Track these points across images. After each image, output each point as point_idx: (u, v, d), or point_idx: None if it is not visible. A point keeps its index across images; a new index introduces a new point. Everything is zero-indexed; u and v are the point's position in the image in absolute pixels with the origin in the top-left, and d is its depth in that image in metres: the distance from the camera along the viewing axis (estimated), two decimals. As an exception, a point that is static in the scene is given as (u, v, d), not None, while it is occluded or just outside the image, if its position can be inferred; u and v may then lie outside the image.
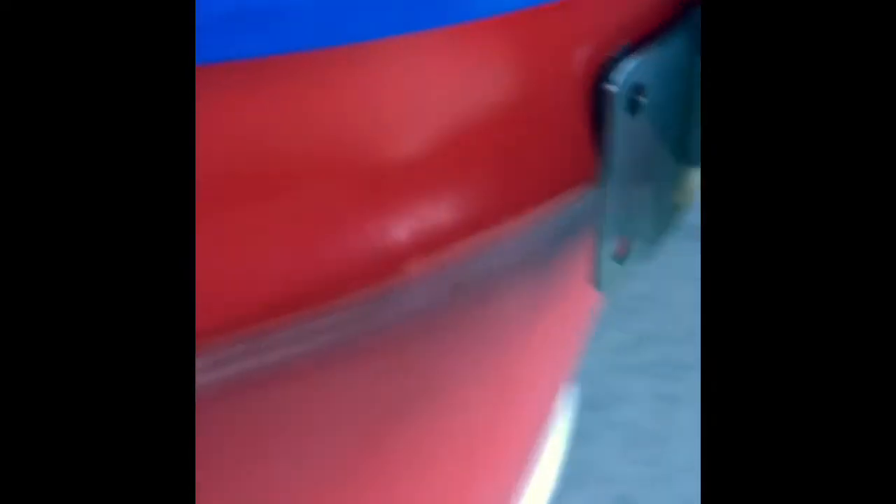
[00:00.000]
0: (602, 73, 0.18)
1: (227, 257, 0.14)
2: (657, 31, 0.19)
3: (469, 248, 0.16)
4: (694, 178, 0.24)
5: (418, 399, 0.20)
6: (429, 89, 0.15)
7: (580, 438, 1.22)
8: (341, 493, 0.19)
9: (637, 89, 0.19)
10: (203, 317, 0.12)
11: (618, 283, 0.21)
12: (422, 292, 0.16)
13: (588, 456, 1.17)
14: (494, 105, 0.16)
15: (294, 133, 0.14)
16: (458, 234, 0.16)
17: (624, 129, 0.19)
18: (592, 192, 0.19)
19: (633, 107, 0.19)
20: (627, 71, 0.18)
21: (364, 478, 0.20)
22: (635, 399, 1.30)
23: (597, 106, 0.18)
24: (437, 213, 0.15)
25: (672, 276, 1.56)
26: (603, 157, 0.19)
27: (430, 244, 0.15)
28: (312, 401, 0.17)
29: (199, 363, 0.13)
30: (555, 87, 0.18)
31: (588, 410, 1.21)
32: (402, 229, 0.14)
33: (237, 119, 0.13)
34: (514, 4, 0.16)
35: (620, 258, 0.21)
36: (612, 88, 0.18)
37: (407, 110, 0.15)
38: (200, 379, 0.13)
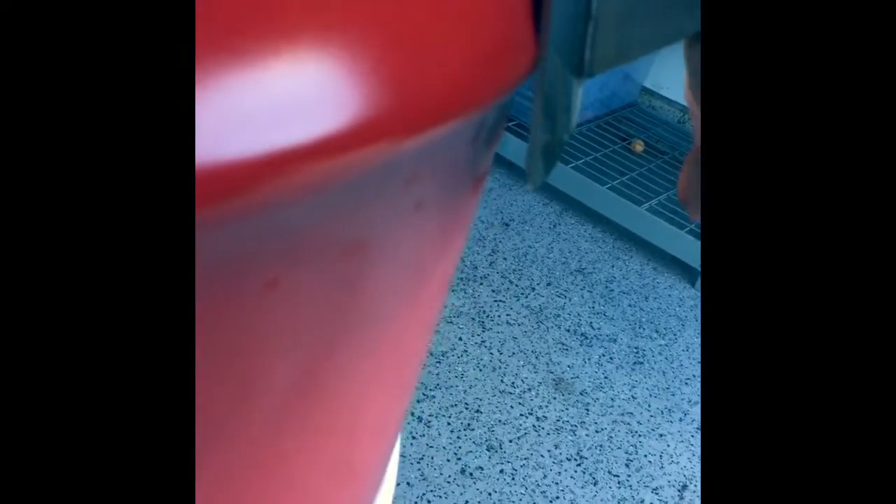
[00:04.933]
0: None
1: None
2: None
3: (410, 140, 0.15)
4: (579, 94, 0.23)
5: (357, 317, 0.19)
6: None
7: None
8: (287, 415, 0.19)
9: None
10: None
11: (545, 177, 0.21)
12: (344, 192, 0.15)
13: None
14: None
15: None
16: (397, 122, 0.15)
17: (557, 8, 0.18)
18: (530, 78, 0.19)
19: None
20: None
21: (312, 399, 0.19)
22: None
23: None
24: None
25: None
26: (541, 41, 0.18)
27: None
28: (262, 312, 0.16)
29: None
30: None
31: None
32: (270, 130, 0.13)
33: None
34: None
35: (548, 152, 0.20)
36: None
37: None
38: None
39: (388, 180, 0.16)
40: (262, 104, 0.12)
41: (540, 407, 1.44)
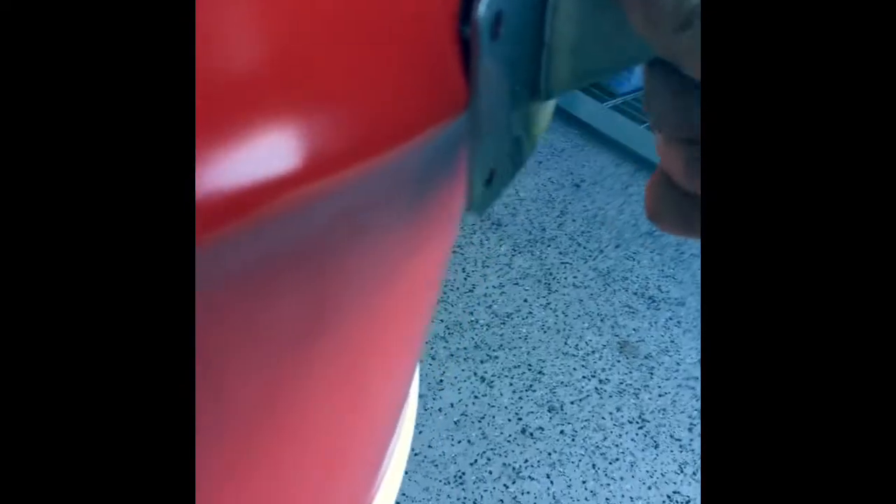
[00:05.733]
0: (466, 2, 0.19)
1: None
2: None
3: (347, 176, 0.17)
4: (543, 111, 0.25)
5: (314, 328, 0.21)
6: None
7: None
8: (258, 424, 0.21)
9: (498, 18, 0.19)
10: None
11: (487, 205, 0.22)
12: (298, 222, 0.17)
13: (418, 441, 1.25)
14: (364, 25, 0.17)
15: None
16: (333, 163, 0.17)
17: (488, 56, 0.20)
18: (463, 120, 0.20)
19: (494, 35, 0.20)
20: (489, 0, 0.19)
21: (281, 407, 0.21)
22: (455, 383, 1.34)
23: (464, 34, 0.19)
24: (306, 136, 0.16)
25: (472, 264, 1.58)
26: (472, 85, 0.20)
27: (304, 171, 0.16)
28: (221, 326, 0.18)
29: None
30: (424, 17, 0.19)
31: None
32: (256, 160, 0.15)
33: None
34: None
35: (489, 182, 0.22)
36: (480, 15, 0.19)
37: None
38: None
39: (332, 209, 0.18)
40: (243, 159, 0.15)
41: (603, 370, 1.45)
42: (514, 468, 1.24)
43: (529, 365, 1.43)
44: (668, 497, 1.26)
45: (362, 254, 0.21)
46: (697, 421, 1.39)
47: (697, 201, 0.25)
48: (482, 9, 0.19)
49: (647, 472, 1.29)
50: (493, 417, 1.32)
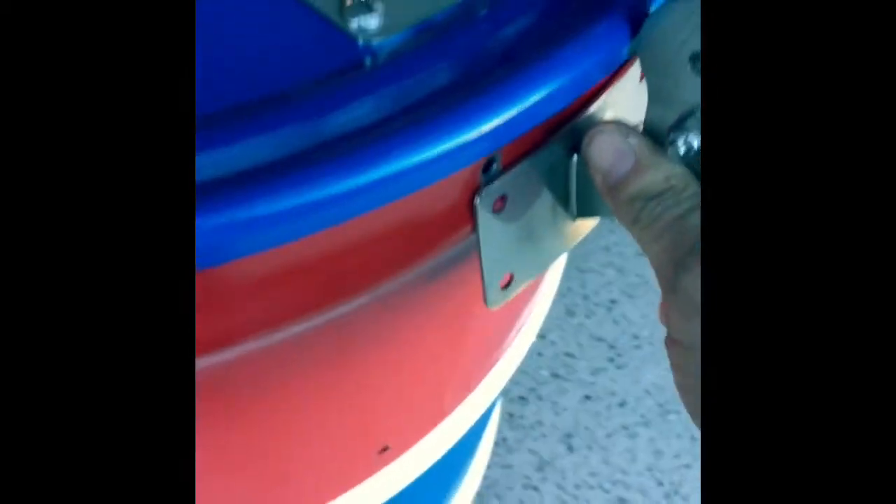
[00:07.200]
0: (477, 190, 0.27)
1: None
2: (527, 151, 0.27)
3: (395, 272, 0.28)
4: (577, 225, 0.31)
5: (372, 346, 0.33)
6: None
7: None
8: None
9: (501, 198, 0.25)
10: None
11: (505, 299, 0.30)
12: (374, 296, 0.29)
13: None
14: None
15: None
16: (390, 267, 0.27)
17: (488, 223, 0.28)
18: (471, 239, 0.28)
19: (497, 210, 0.27)
20: (491, 188, 0.26)
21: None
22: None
23: (473, 207, 0.26)
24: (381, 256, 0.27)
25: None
26: (476, 235, 0.28)
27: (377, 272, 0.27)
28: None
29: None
30: (452, 197, 0.27)
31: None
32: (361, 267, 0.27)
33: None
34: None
35: (504, 287, 0.29)
36: (477, 201, 0.26)
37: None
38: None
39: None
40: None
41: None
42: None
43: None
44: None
45: (413, 307, 0.32)
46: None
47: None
48: (477, 200, 0.25)
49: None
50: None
